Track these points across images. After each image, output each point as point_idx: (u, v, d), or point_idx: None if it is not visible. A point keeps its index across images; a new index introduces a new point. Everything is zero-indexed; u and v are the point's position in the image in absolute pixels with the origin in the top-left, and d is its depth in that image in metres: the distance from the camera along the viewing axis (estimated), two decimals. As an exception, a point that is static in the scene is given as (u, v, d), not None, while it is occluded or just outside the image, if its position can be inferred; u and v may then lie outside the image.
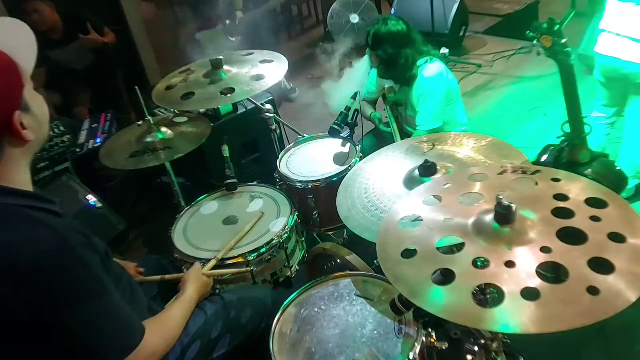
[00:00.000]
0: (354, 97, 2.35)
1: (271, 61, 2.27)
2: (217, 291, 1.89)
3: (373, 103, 2.84)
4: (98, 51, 3.62)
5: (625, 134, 2.56)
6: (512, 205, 1.07)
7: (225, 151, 2.30)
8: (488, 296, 1.12)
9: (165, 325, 1.31)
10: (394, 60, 2.41)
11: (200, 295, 1.55)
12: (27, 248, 1.01)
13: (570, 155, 2.06)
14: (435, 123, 2.47)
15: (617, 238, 1.01)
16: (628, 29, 2.22)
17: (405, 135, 2.62)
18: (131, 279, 1.39)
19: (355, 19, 4.87)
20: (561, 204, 1.12)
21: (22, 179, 1.11)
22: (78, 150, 2.96)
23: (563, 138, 2.07)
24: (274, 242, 1.92)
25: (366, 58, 2.69)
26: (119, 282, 1.25)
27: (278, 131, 2.56)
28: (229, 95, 2.11)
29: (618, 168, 2.19)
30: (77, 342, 1.06)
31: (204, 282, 1.60)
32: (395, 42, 2.39)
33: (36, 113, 1.12)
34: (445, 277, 1.04)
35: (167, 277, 1.68)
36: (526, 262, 1.01)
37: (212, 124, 2.28)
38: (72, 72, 3.65)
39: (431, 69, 2.44)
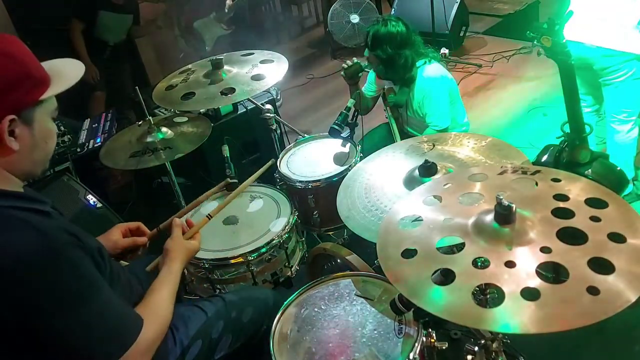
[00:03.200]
0: (354, 97, 2.35)
1: (271, 61, 2.27)
2: (217, 291, 1.89)
3: (373, 100, 2.84)
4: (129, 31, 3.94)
5: (607, 126, 2.55)
6: (512, 205, 1.07)
7: (225, 151, 2.30)
8: (488, 296, 1.13)
9: (157, 313, 1.24)
10: (393, 60, 2.41)
11: (187, 260, 1.46)
12: (11, 250, 0.98)
13: (570, 155, 2.06)
14: (446, 122, 2.48)
15: (617, 238, 1.01)
16: (587, 8, 2.16)
17: (405, 135, 2.62)
18: (130, 277, 1.37)
19: (355, 19, 4.87)
20: (561, 204, 1.12)
21: (7, 181, 1.10)
22: (78, 150, 2.96)
23: (563, 138, 2.07)
24: (274, 242, 1.92)
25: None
26: (116, 280, 1.24)
27: (278, 131, 2.56)
28: (229, 95, 2.11)
29: (618, 168, 2.19)
30: (68, 343, 1.04)
31: (187, 247, 1.47)
32: (394, 43, 2.39)
33: (37, 133, 1.10)
34: (445, 277, 1.04)
35: (161, 226, 1.64)
36: (526, 262, 1.01)
37: (212, 124, 2.28)
38: (104, 44, 3.86)
39: (431, 70, 2.45)
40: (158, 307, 1.25)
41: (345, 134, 2.31)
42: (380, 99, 2.81)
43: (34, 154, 1.12)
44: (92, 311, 1.06)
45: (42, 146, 1.14)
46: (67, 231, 1.08)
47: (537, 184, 1.22)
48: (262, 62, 2.27)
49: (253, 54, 2.38)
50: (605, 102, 2.46)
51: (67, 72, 1.16)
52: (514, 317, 0.92)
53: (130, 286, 1.34)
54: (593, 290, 0.91)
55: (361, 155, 2.23)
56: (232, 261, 1.86)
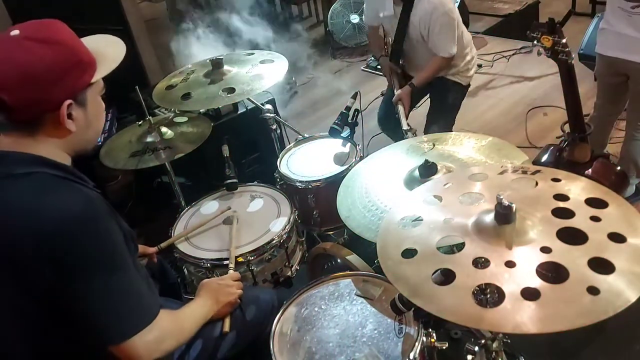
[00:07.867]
0: (354, 96, 2.35)
1: (271, 61, 2.27)
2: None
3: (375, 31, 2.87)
4: None
5: (627, 133, 2.56)
6: (512, 205, 1.07)
7: (225, 151, 2.30)
8: (488, 296, 1.12)
9: (179, 321, 1.28)
10: None
11: (222, 303, 1.48)
12: (57, 210, 1.04)
13: (570, 155, 2.06)
14: (453, 48, 2.51)
15: (617, 238, 1.01)
16: (629, 27, 2.22)
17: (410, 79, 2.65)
18: (148, 274, 1.39)
19: (355, 18, 4.86)
20: (561, 204, 1.12)
21: (60, 156, 1.16)
22: (78, 150, 2.96)
23: (563, 138, 2.07)
24: (274, 241, 1.91)
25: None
26: (140, 271, 1.26)
27: (278, 131, 2.56)
28: (229, 95, 2.11)
29: (618, 168, 2.19)
30: (88, 308, 1.07)
31: (220, 290, 1.50)
32: None
33: (90, 112, 1.17)
34: (445, 277, 1.04)
35: (162, 245, 1.86)
36: (526, 262, 1.01)
37: (212, 124, 2.28)
38: None
39: None
40: (181, 317, 1.31)
41: (345, 134, 2.32)
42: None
43: (88, 132, 1.19)
44: (118, 283, 1.10)
45: (95, 124, 1.21)
46: (109, 207, 1.15)
47: (537, 184, 1.22)
48: (262, 62, 2.27)
49: (253, 54, 2.38)
50: (632, 112, 2.49)
51: (108, 51, 1.21)
52: (514, 317, 0.92)
53: (148, 283, 1.34)
54: (593, 290, 0.91)
55: (361, 155, 2.23)
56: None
